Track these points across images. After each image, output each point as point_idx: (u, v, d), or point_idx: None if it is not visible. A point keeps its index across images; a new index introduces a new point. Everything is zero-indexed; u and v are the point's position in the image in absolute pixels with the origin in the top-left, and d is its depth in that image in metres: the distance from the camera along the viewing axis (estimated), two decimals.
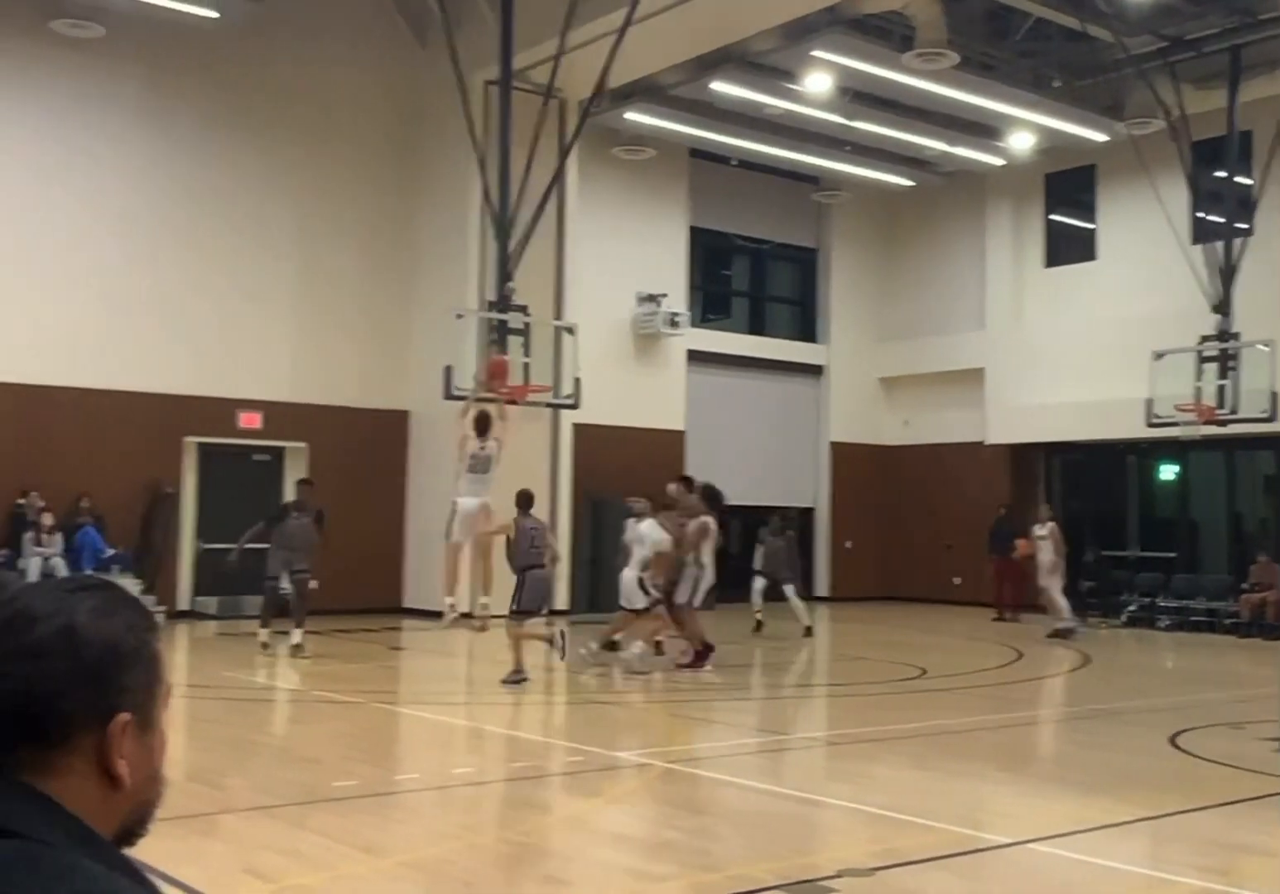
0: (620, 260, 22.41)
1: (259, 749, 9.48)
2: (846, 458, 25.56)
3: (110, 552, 17.42)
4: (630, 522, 14.30)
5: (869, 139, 22.38)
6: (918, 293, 25.86)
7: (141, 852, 1.34)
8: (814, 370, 25.76)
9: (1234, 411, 17.73)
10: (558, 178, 15.62)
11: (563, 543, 20.34)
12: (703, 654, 13.69)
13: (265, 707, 11.84)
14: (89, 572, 16.07)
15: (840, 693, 13.06)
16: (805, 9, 16.93)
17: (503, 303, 14.28)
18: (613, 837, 6.77)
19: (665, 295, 22.82)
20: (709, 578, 14.08)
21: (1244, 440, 19.70)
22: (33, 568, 16.29)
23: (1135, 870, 6.35)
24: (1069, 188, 23.77)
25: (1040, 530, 18.42)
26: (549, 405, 16.00)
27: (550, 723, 11.55)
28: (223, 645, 16.21)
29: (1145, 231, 21.02)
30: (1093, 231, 23.26)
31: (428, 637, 16.94)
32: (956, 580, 24.02)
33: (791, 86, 19.77)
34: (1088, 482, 23.86)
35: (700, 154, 23.61)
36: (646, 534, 13.50)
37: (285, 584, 14.87)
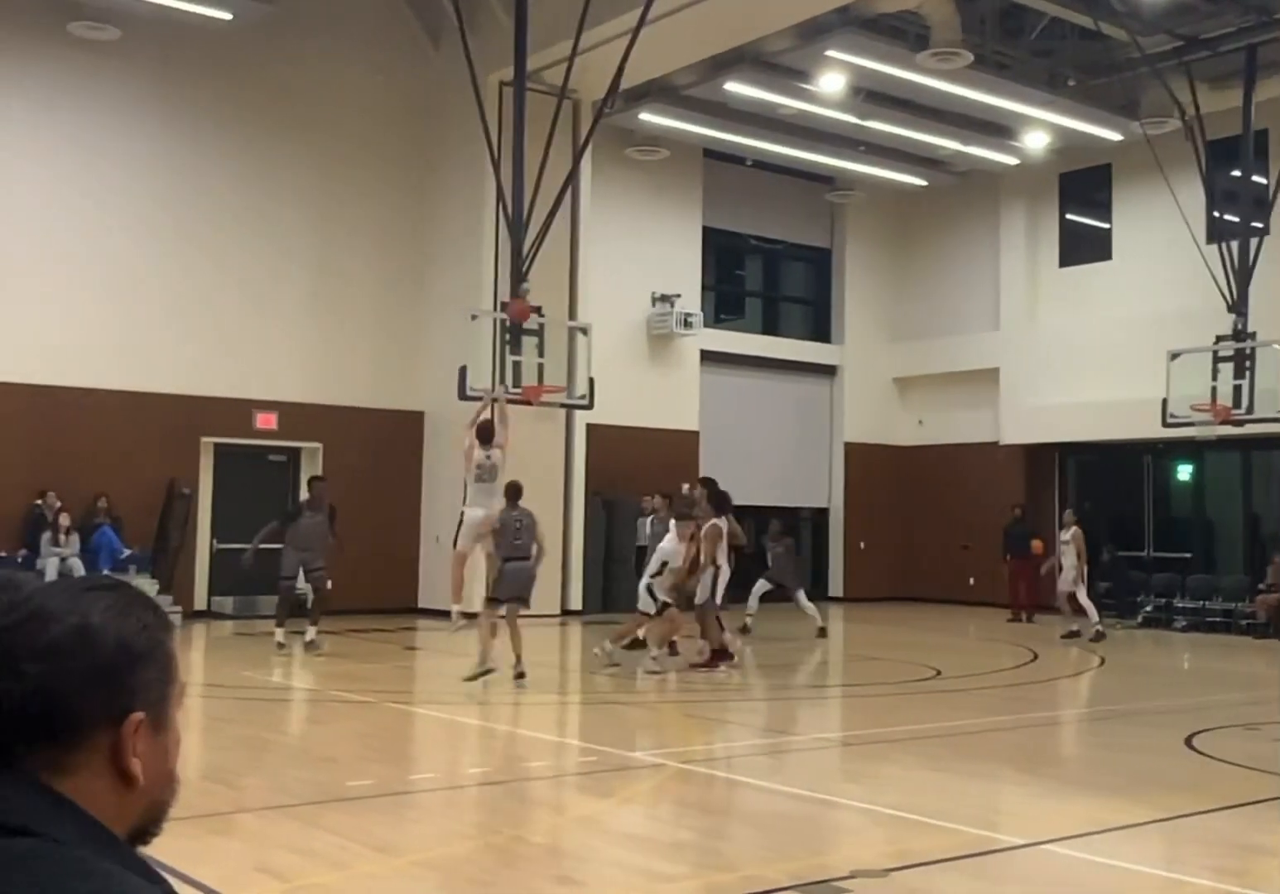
0: (634, 261, 22.42)
1: (274, 748, 9.51)
2: (860, 458, 25.52)
3: (127, 552, 17.49)
4: (643, 521, 14.30)
5: (883, 139, 22.35)
6: (932, 293, 25.81)
7: (156, 850, 1.35)
8: (828, 370, 25.73)
9: (1250, 411, 17.64)
10: (572, 178, 15.63)
11: (575, 543, 20.41)
12: (719, 655, 13.68)
13: (281, 706, 11.87)
14: (106, 572, 16.14)
15: (854, 693, 13.05)
16: (819, 9, 16.92)
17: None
18: (626, 837, 6.77)
19: (679, 296, 22.81)
20: (726, 575, 14.11)
21: (1260, 440, 19.62)
22: (50, 568, 16.35)
23: (1150, 872, 6.33)
24: (1084, 187, 23.71)
25: (1064, 536, 18.31)
26: (563, 406, 16.01)
27: (564, 723, 11.55)
28: (239, 645, 16.26)
29: (1160, 231, 20.95)
30: (1108, 231, 23.19)
31: (442, 637, 16.93)
32: (971, 581, 23.98)
33: (805, 86, 19.75)
34: (1103, 482, 23.79)
35: (714, 154, 23.59)
36: (664, 546, 13.48)
37: (300, 583, 14.92)
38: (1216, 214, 19.34)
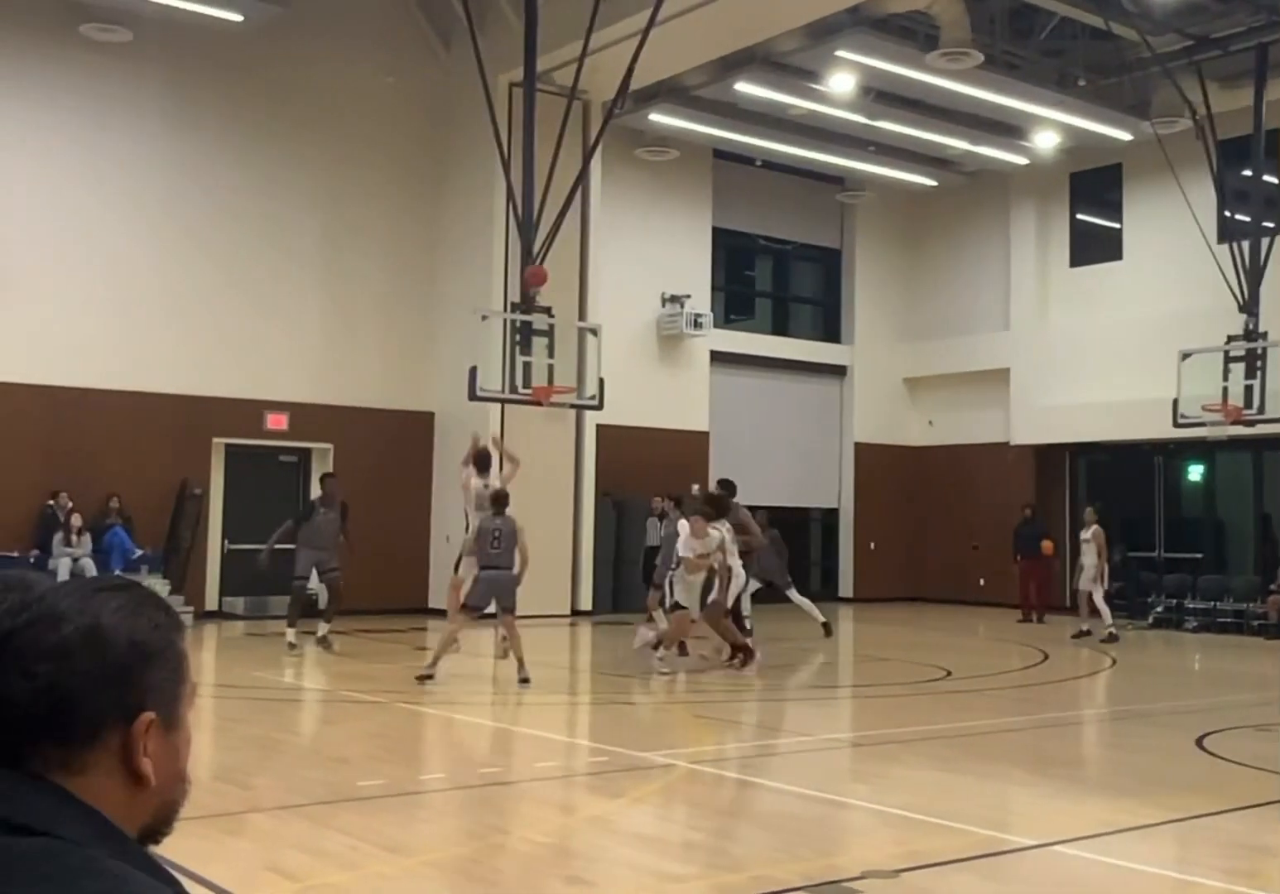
0: (644, 261, 22.43)
1: (285, 748, 9.53)
2: (870, 458, 25.49)
3: (139, 552, 17.54)
4: (653, 521, 14.30)
5: (893, 139, 22.33)
6: (942, 293, 25.78)
7: (168, 850, 1.36)
8: (838, 371, 25.71)
9: (1261, 411, 17.59)
10: (581, 179, 15.63)
11: (585, 543, 20.42)
12: (745, 653, 13.65)
13: (291, 706, 11.89)
14: (117, 572, 16.18)
15: (864, 694, 13.03)
16: (829, 9, 16.91)
17: (527, 304, 14.30)
18: (636, 837, 6.77)
19: (689, 296, 22.81)
20: (740, 577, 14.10)
21: (1271, 440, 19.56)
22: (62, 568, 16.41)
23: (1161, 873, 6.32)
24: (1094, 187, 23.67)
25: (1084, 534, 18.26)
26: (573, 406, 16.01)
27: (574, 723, 11.56)
28: (250, 645, 16.28)
29: (1171, 231, 20.90)
30: (1118, 231, 23.15)
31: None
32: (981, 581, 23.94)
33: (815, 87, 19.74)
34: (1114, 482, 23.73)
35: (724, 155, 23.59)
36: (678, 546, 13.47)
37: (313, 583, 14.94)
38: (1227, 213, 19.29)
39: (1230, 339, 18.15)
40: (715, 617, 13.73)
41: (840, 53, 18.48)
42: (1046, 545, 21.24)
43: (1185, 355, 18.34)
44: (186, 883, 1.29)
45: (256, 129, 19.32)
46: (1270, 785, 8.08)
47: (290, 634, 14.49)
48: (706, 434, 23.14)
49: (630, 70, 14.32)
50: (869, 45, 18.21)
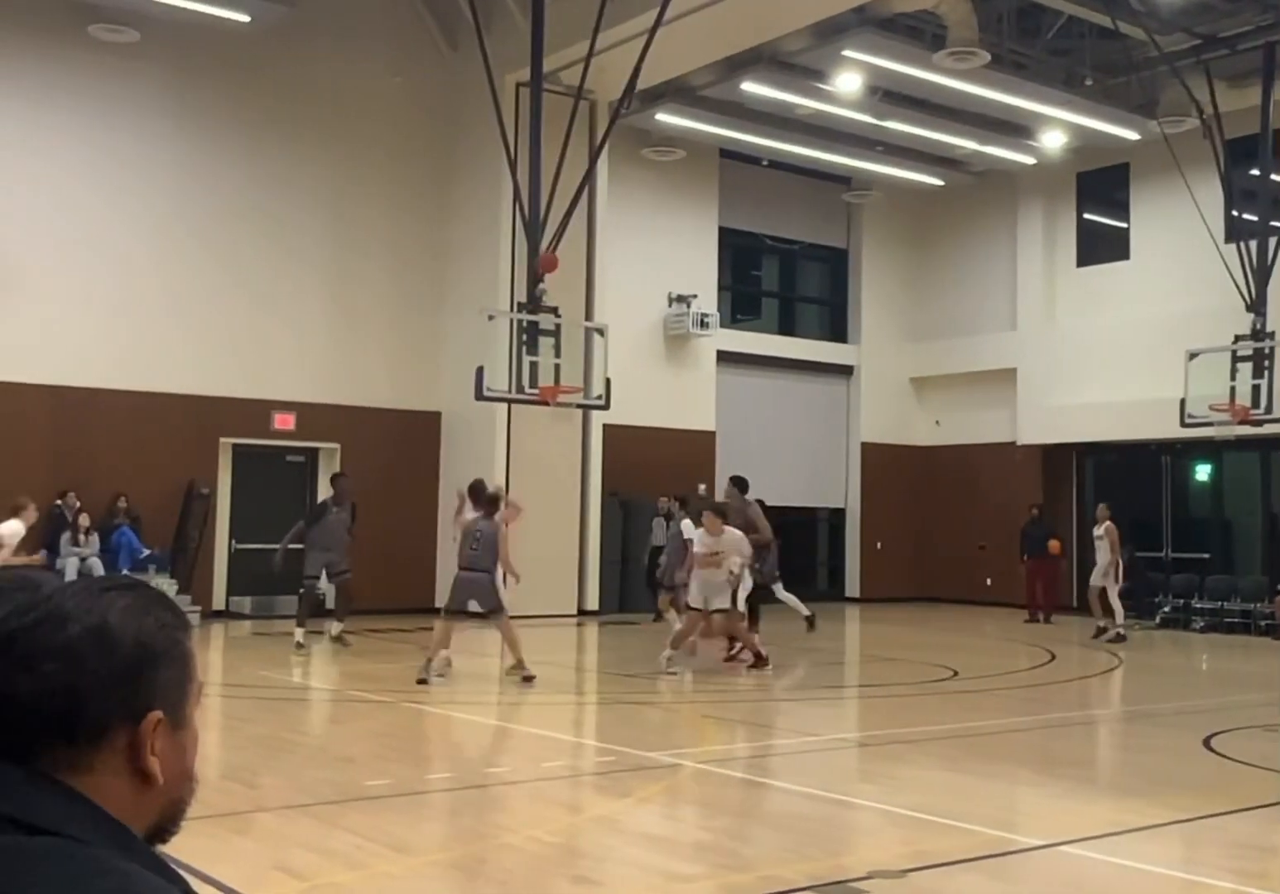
0: (650, 261, 22.43)
1: (292, 748, 9.54)
2: (877, 458, 25.48)
3: (146, 552, 17.57)
4: (659, 521, 14.28)
5: (899, 139, 22.31)
6: (949, 293, 25.76)
7: (175, 849, 1.36)
8: (844, 371, 25.70)
9: (1269, 411, 17.56)
10: (588, 179, 15.64)
11: (591, 543, 20.41)
12: (759, 656, 13.65)
13: (299, 706, 11.91)
14: (125, 572, 16.21)
15: (871, 694, 13.03)
16: (836, 9, 16.90)
17: (533, 304, 14.31)
18: (644, 837, 6.77)
19: (695, 296, 22.81)
20: (747, 583, 14.06)
21: (1279, 440, 19.53)
22: (70, 568, 16.44)
23: (1169, 873, 6.31)
24: (1101, 187, 23.63)
25: (1097, 531, 18.24)
26: (579, 406, 16.02)
27: (581, 723, 11.56)
28: (257, 645, 16.30)
29: (1179, 230, 20.87)
30: (1126, 230, 23.11)
31: (459, 637, 16.94)
32: (988, 581, 23.92)
33: (822, 86, 19.72)
34: (1121, 482, 23.68)
35: (730, 154, 23.58)
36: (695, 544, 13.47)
37: (323, 583, 14.94)
38: (1235, 213, 19.26)
39: (1238, 339, 18.13)
40: (734, 620, 13.67)
41: (847, 52, 18.47)
42: (1054, 545, 21.21)
43: (1192, 355, 18.32)
44: (194, 882, 1.29)
45: (263, 129, 19.34)
46: (1278, 786, 8.07)
47: (298, 634, 14.52)
48: (713, 434, 23.13)
49: (637, 70, 14.33)
50: (876, 45, 18.20)
